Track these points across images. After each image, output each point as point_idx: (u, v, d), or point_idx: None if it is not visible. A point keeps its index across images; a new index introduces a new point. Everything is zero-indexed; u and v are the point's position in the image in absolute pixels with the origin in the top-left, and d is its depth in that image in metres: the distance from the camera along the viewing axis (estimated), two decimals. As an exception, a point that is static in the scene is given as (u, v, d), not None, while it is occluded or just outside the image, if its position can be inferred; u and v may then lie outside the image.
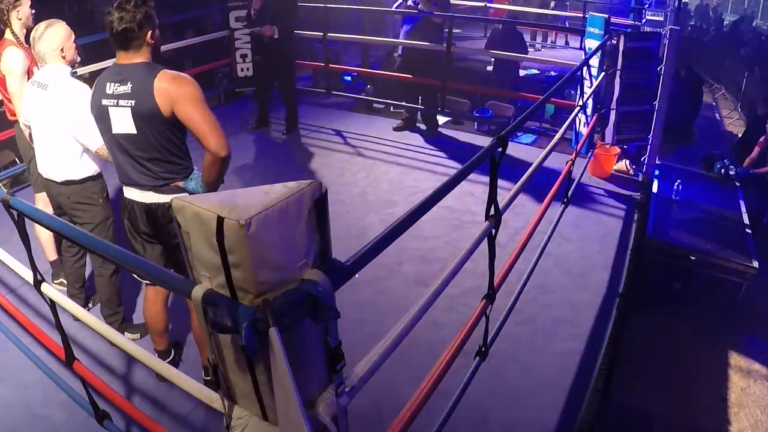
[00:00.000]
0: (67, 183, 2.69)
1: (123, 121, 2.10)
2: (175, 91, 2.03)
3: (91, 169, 2.72)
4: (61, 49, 2.60)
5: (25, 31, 3.08)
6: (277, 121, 5.77)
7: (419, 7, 5.51)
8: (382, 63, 7.61)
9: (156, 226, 2.25)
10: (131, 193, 2.24)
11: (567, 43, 9.90)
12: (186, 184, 2.22)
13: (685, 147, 6.91)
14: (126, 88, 2.07)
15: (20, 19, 3.06)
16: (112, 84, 2.09)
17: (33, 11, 3.15)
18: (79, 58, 2.77)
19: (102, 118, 2.15)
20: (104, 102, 2.11)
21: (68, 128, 2.58)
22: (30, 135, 2.84)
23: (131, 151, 2.15)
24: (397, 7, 7.06)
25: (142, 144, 2.12)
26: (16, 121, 3.07)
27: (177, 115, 2.05)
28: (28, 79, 2.88)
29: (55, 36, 2.59)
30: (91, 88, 2.25)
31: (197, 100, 2.05)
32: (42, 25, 2.61)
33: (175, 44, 6.11)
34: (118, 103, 2.08)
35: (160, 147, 2.13)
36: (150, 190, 2.20)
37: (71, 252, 2.98)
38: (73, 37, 2.67)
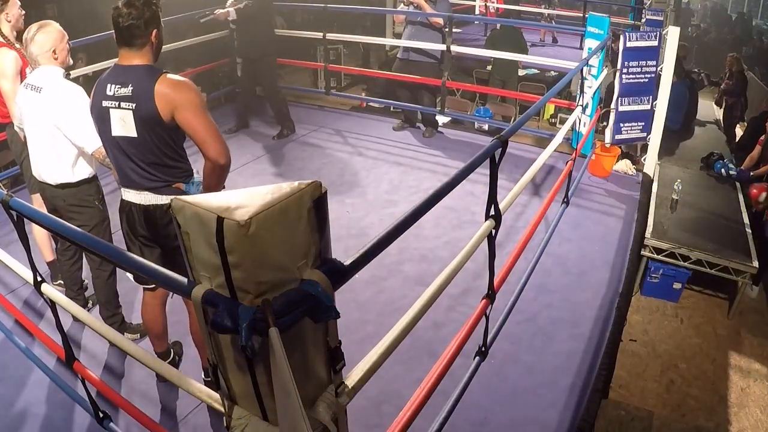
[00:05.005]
0: (63, 186, 2.66)
1: (123, 124, 2.08)
2: (176, 97, 2.02)
3: (86, 171, 2.70)
4: (53, 51, 2.56)
5: (15, 33, 3.06)
6: (273, 121, 5.72)
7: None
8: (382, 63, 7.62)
9: (154, 228, 2.24)
10: (129, 195, 2.23)
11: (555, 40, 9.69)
12: (188, 189, 2.21)
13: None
14: (127, 91, 2.05)
15: (9, 21, 3.05)
16: (113, 86, 2.07)
17: (23, 12, 3.14)
18: (71, 61, 2.74)
19: (102, 120, 2.13)
20: (105, 104, 2.09)
21: (64, 131, 2.55)
22: (24, 137, 2.81)
23: (130, 153, 2.13)
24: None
25: (142, 147, 2.11)
26: (9, 122, 3.05)
27: (177, 121, 2.04)
28: (21, 80, 2.85)
29: (47, 38, 2.55)
30: (89, 89, 2.24)
31: (198, 106, 2.04)
32: (34, 26, 2.57)
33: (176, 44, 6.11)
34: (119, 105, 2.07)
35: (158, 151, 2.12)
36: (148, 191, 2.19)
37: (67, 255, 2.96)
38: (66, 38, 2.64)
